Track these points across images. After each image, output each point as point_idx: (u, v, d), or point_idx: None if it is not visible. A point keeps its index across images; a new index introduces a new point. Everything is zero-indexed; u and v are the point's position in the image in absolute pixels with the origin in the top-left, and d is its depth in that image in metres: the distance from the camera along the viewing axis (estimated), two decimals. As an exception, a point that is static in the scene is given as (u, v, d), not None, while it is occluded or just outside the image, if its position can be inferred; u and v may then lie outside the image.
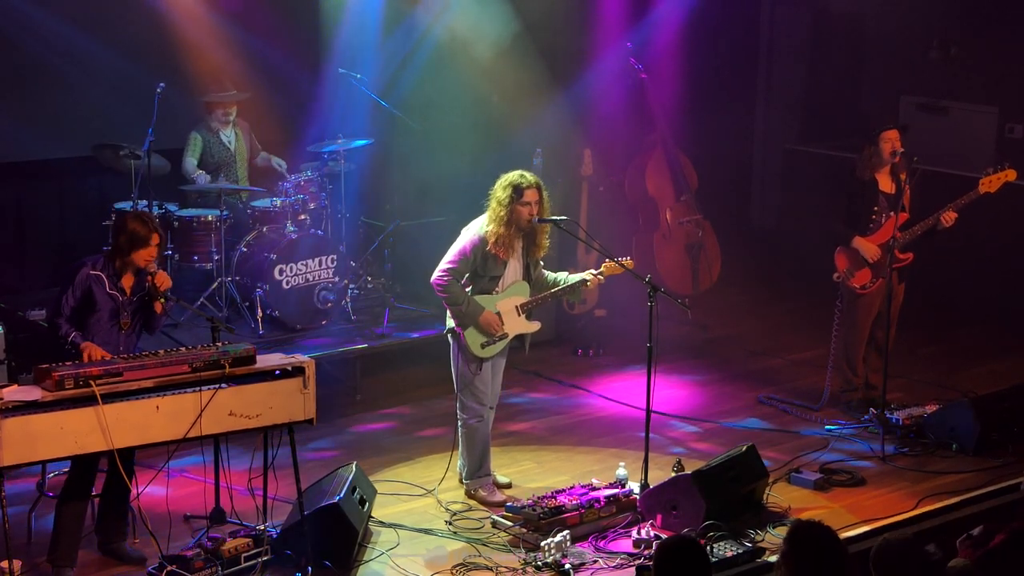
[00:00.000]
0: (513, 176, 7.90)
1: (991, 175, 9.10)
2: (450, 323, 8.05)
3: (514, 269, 8.04)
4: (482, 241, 7.89)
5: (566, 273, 8.28)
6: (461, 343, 8.00)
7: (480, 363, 8.03)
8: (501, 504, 7.92)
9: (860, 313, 9.39)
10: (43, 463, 7.08)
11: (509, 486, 8.33)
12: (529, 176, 7.91)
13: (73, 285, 7.22)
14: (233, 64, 10.75)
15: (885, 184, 9.28)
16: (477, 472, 8.17)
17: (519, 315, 8.08)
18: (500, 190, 7.89)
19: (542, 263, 8.20)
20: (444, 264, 7.94)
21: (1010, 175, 9.11)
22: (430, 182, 10.96)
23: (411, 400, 9.74)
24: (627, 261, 8.14)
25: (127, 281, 7.33)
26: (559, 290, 8.16)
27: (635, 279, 8.10)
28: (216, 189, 10.00)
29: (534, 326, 8.19)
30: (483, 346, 7.99)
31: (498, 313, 7.99)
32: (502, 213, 7.84)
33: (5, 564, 6.70)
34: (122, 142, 9.85)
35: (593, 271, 8.16)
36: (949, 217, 9.10)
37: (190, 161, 10.32)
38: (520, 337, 8.22)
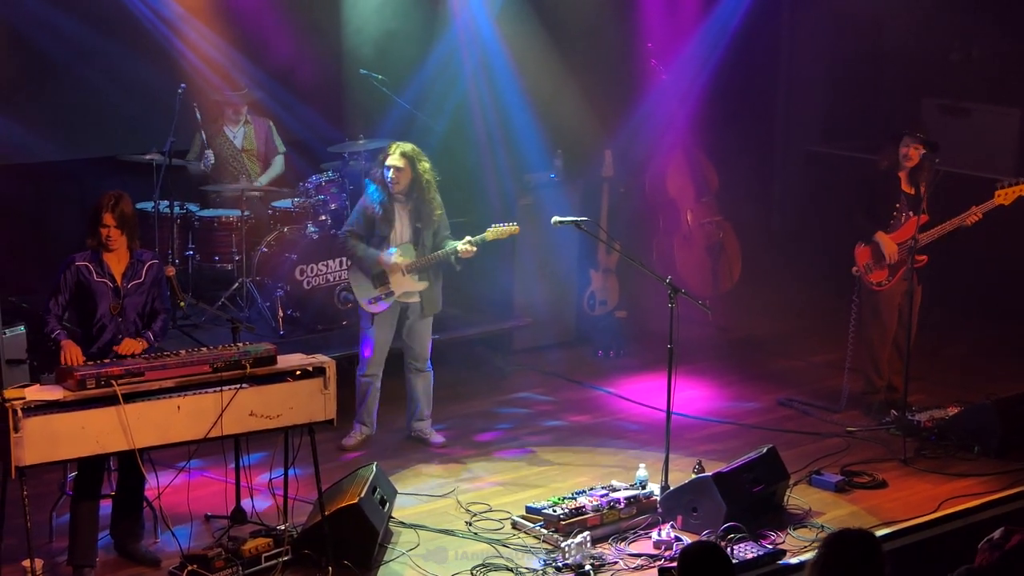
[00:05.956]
0: (390, 144, 8.63)
1: (1006, 188, 9.04)
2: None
3: (400, 232, 8.64)
4: (367, 202, 8.65)
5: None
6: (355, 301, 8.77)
7: (371, 319, 8.65)
8: (352, 449, 8.70)
9: (885, 313, 9.35)
10: (65, 463, 7.10)
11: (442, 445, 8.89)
12: (404, 145, 8.56)
13: (62, 281, 7.19)
14: (252, 64, 10.78)
15: (906, 184, 9.25)
16: (355, 417, 8.83)
17: (403, 275, 8.61)
18: (379, 156, 8.65)
19: (448, 232, 8.71)
20: (345, 226, 8.80)
21: None
22: (449, 183, 10.94)
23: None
24: (512, 227, 8.59)
25: (115, 266, 7.24)
26: (438, 255, 8.62)
27: (655, 280, 8.10)
28: (236, 191, 10.02)
29: (421, 285, 8.68)
30: (370, 302, 8.65)
31: (383, 272, 8.59)
32: (377, 175, 8.61)
33: (27, 563, 6.73)
34: (143, 143, 9.86)
35: (470, 238, 8.56)
36: (975, 217, 9.07)
37: (193, 164, 10.36)
38: (418, 304, 8.67)
